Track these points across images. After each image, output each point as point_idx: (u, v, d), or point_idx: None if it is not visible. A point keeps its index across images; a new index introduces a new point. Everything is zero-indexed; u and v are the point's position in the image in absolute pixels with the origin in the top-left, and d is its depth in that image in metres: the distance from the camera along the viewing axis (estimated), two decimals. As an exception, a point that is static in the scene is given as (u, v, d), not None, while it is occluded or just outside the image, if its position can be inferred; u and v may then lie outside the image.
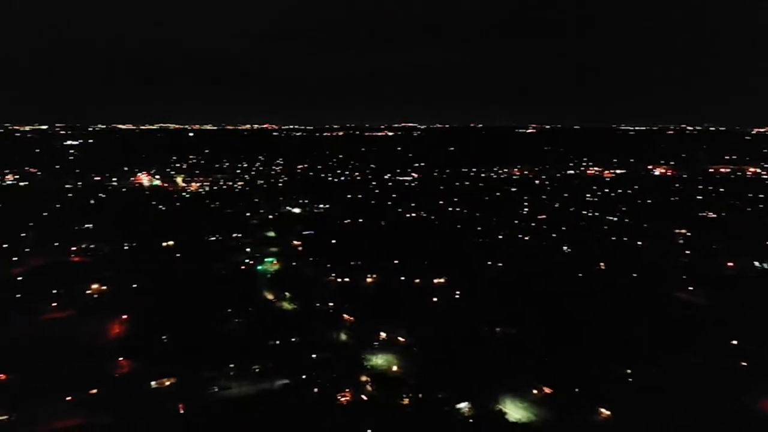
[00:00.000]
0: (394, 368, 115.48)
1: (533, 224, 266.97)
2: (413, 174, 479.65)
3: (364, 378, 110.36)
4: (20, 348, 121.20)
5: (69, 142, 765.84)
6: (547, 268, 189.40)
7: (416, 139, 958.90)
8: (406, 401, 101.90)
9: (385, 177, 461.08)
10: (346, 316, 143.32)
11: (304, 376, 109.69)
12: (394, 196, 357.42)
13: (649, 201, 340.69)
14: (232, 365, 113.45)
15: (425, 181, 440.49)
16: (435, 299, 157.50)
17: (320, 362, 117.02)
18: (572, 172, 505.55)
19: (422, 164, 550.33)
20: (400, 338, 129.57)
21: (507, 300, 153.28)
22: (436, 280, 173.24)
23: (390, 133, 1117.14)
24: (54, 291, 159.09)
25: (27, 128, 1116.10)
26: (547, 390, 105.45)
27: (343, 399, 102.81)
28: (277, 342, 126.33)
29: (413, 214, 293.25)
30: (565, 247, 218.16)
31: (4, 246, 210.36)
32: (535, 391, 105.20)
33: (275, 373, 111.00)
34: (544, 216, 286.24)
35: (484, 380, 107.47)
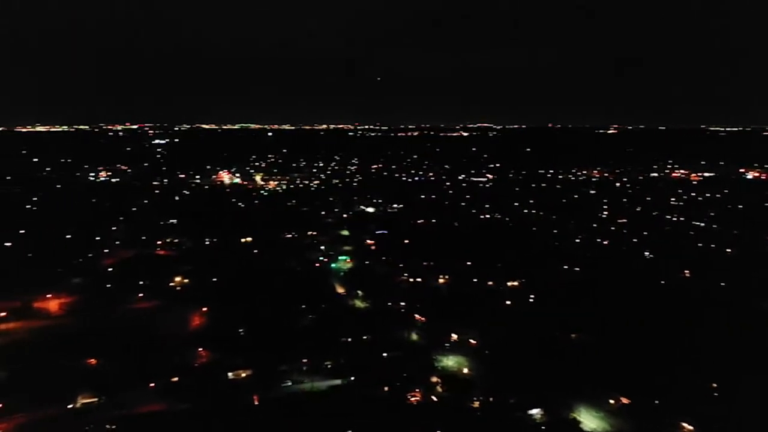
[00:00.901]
0: (465, 370, 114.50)
1: (612, 228, 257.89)
2: (488, 175, 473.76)
3: (434, 379, 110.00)
4: (110, 335, 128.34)
5: (157, 141, 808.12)
6: (627, 274, 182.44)
7: (492, 140, 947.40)
8: (476, 404, 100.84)
9: (459, 177, 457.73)
10: (417, 316, 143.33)
11: (374, 374, 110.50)
12: (467, 197, 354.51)
13: (740, 206, 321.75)
14: (305, 360, 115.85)
15: (500, 183, 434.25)
16: (508, 302, 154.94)
17: (391, 361, 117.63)
18: (656, 174, 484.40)
19: (497, 165, 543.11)
20: (471, 340, 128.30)
21: (584, 306, 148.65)
22: (509, 283, 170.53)
23: (465, 134, 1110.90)
24: (141, 282, 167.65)
25: (119, 128, 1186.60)
26: (624, 400, 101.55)
27: (413, 399, 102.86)
28: (349, 339, 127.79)
29: (487, 216, 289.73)
30: (646, 253, 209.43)
31: (97, 239, 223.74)
32: (611, 401, 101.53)
33: (347, 370, 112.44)
34: (624, 220, 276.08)
35: (558, 387, 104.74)
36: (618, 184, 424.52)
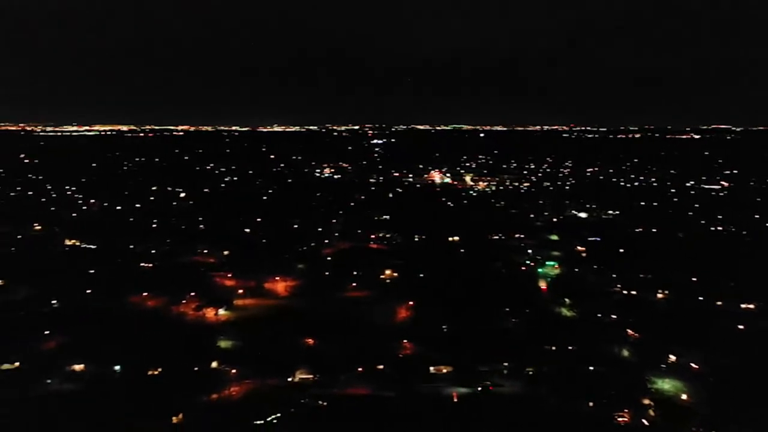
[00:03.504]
0: (684, 396, 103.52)
1: None
2: (722, 182, 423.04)
3: (646, 401, 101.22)
4: (326, 318, 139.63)
5: (375, 141, 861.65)
6: None
7: (729, 143, 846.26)
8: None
9: (687, 184, 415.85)
10: (630, 331, 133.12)
11: (579, 387, 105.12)
12: (696, 205, 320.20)
13: None
14: (506, 364, 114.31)
15: (737, 191, 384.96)
16: (741, 326, 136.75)
17: (597, 376, 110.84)
18: None
19: (734, 171, 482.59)
20: (693, 364, 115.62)
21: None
22: (743, 305, 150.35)
23: (696, 136, 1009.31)
24: (354, 273, 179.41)
25: (342, 128, 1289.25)
26: None
27: (620, 419, 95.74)
28: (553, 348, 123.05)
29: (719, 227, 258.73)
30: None
31: (319, 230, 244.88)
32: None
33: (549, 379, 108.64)
34: None
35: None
36: None
